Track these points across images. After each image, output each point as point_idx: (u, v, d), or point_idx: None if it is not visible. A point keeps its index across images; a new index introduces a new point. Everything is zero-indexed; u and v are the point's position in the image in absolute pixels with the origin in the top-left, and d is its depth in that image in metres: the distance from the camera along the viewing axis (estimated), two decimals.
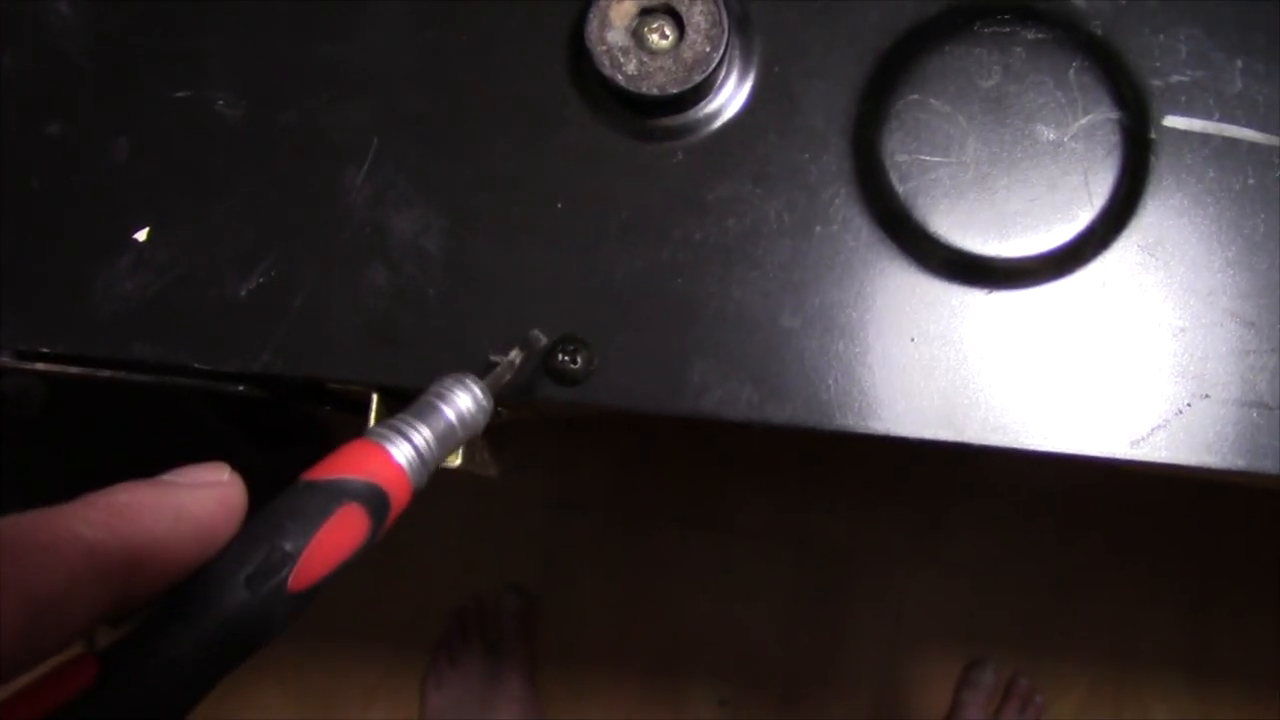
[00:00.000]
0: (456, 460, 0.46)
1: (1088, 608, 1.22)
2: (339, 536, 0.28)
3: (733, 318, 0.44)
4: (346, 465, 0.29)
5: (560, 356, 0.43)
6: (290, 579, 0.26)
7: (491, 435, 0.55)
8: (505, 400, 0.36)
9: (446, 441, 0.33)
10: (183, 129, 0.45)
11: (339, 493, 0.28)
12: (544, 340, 0.41)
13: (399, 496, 0.30)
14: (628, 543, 1.25)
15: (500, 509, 1.25)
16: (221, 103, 0.45)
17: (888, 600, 1.23)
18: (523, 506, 1.26)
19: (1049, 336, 0.44)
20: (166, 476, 0.26)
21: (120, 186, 0.45)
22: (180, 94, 0.45)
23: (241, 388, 0.45)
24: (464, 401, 0.34)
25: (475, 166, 0.45)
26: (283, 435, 1.00)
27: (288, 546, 0.26)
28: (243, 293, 0.44)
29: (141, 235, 0.45)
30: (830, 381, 0.44)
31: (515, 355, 0.40)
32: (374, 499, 0.29)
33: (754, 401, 0.44)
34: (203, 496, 0.26)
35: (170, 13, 0.46)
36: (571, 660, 1.24)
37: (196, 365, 0.44)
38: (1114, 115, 0.44)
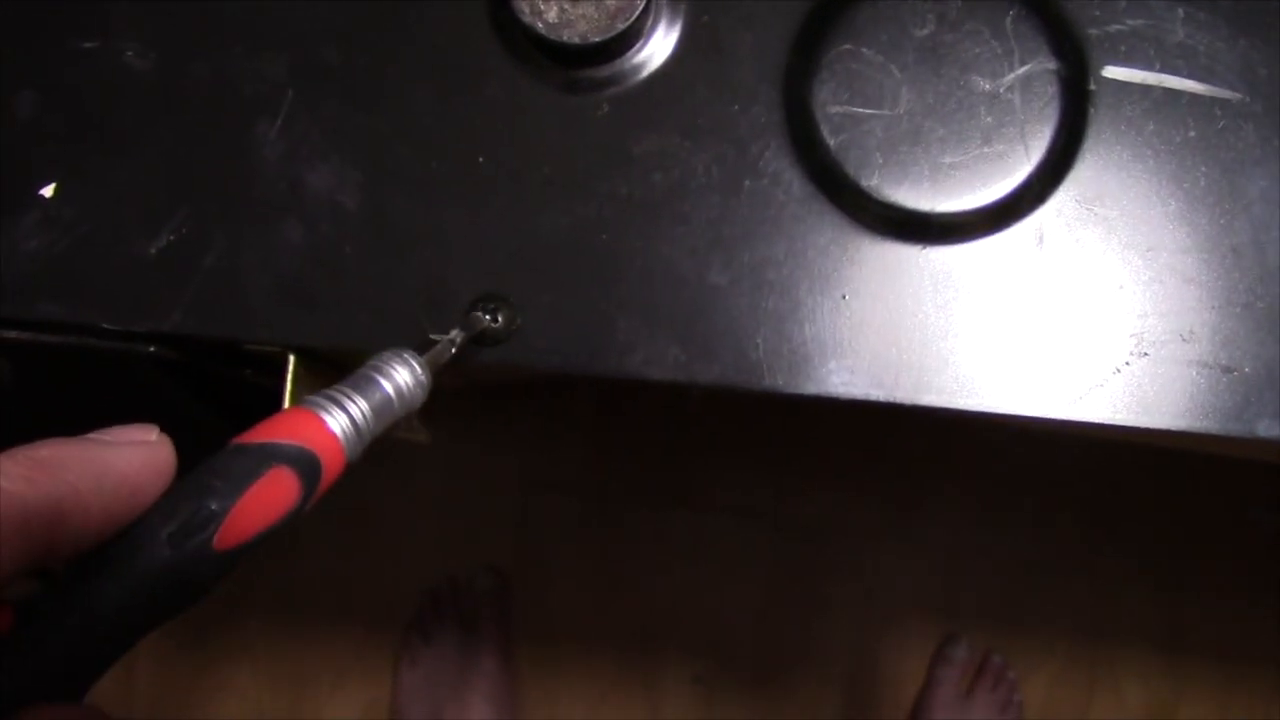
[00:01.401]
0: None
1: (1061, 585, 1.21)
2: (268, 498, 0.28)
3: (659, 275, 0.43)
4: (280, 430, 0.30)
5: (481, 315, 0.42)
6: (216, 538, 0.26)
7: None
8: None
9: (383, 415, 0.34)
10: (90, 81, 0.44)
11: (269, 455, 0.28)
12: (485, 321, 0.42)
13: (332, 464, 0.30)
14: (602, 521, 1.24)
15: (474, 487, 1.24)
16: (130, 54, 0.44)
17: (862, 577, 1.23)
18: (497, 485, 1.25)
19: (984, 293, 0.42)
20: (93, 435, 0.26)
21: (25, 141, 0.43)
22: (88, 45, 0.44)
23: (153, 348, 0.43)
24: (403, 376, 0.35)
25: (394, 120, 0.44)
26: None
27: (214, 505, 0.26)
28: (152, 251, 0.43)
29: (48, 191, 0.43)
30: (759, 340, 0.42)
31: (456, 335, 0.40)
32: (305, 464, 0.29)
33: (680, 361, 0.43)
34: (129, 454, 0.26)
35: None
36: (546, 638, 1.23)
37: (105, 325, 0.43)
38: (1052, 66, 0.43)
